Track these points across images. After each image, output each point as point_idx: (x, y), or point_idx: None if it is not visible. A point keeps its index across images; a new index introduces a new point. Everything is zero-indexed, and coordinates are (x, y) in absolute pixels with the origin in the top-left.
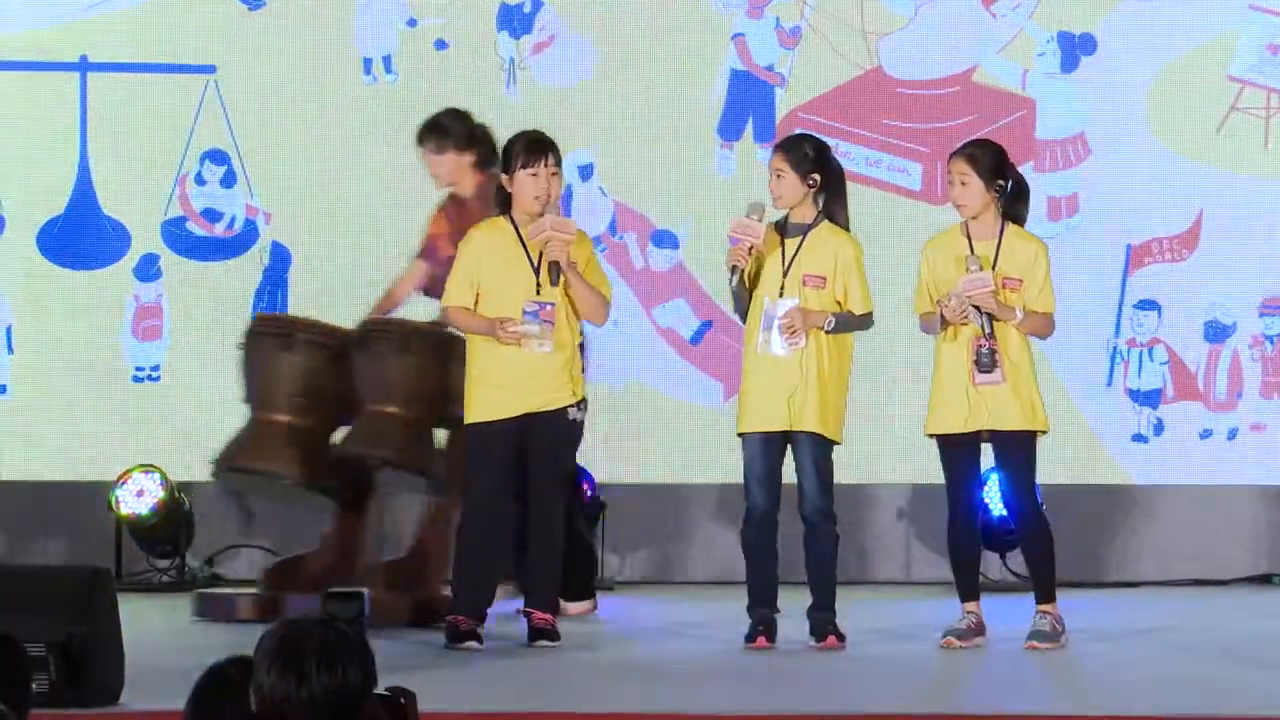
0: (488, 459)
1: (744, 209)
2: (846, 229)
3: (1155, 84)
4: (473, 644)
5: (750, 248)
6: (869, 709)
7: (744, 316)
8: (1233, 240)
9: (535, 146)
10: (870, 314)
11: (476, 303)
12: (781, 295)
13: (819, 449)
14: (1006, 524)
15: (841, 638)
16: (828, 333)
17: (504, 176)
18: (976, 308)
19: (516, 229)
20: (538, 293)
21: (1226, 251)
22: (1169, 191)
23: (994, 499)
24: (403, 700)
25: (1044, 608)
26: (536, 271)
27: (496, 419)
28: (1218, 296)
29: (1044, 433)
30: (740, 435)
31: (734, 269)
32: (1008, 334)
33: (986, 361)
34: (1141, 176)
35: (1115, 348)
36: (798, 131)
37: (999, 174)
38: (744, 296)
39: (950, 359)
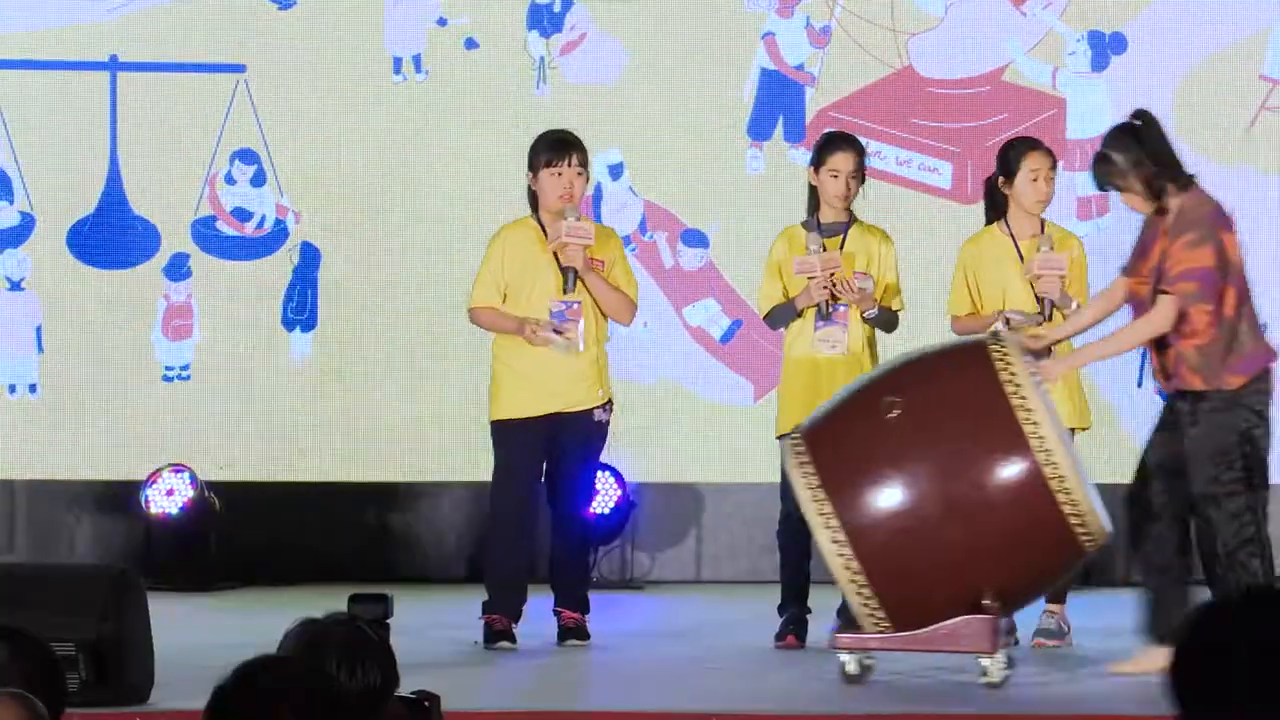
0: (516, 457)
1: (807, 244)
2: None
3: (1186, 83)
4: (506, 643)
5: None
6: (891, 710)
7: (783, 326)
8: (1264, 240)
9: (559, 146)
10: (900, 312)
11: (504, 301)
12: None
13: None
14: None
15: None
16: (866, 320)
17: (529, 175)
18: (1039, 298)
19: (543, 228)
20: (564, 292)
21: (1257, 252)
22: None
23: None
24: (426, 703)
25: (1052, 608)
26: (563, 271)
27: (524, 416)
28: None
29: (1085, 428)
30: (782, 437)
31: (825, 303)
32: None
33: (1043, 358)
34: None
35: (1145, 348)
36: (840, 130)
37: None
38: (793, 315)
39: None
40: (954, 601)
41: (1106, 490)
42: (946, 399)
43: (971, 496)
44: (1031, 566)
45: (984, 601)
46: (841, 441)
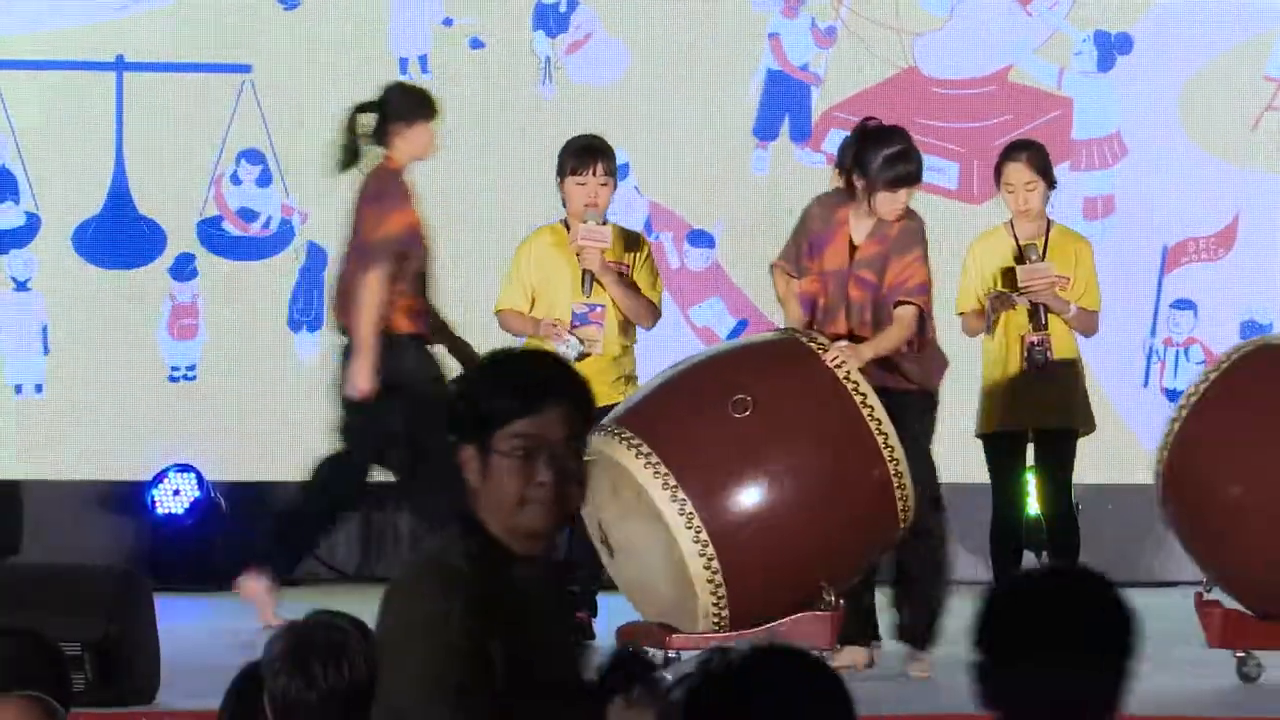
0: None
1: None
2: None
3: (1191, 83)
4: None
5: None
6: (895, 710)
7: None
8: (1269, 240)
9: (583, 154)
10: None
11: (533, 306)
12: None
13: None
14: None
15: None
16: None
17: (558, 180)
18: (1033, 304)
19: (569, 231)
20: (583, 294)
21: (1263, 251)
22: (1205, 191)
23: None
24: None
25: None
26: (582, 273)
27: None
28: (1254, 296)
29: (1089, 431)
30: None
31: None
32: (1058, 332)
33: (1040, 359)
34: (1178, 176)
35: (1151, 347)
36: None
37: (1049, 171)
38: None
39: (999, 357)
40: (797, 599)
41: (1115, 491)
42: (793, 397)
43: (829, 497)
44: (863, 563)
45: (825, 597)
46: (695, 440)
